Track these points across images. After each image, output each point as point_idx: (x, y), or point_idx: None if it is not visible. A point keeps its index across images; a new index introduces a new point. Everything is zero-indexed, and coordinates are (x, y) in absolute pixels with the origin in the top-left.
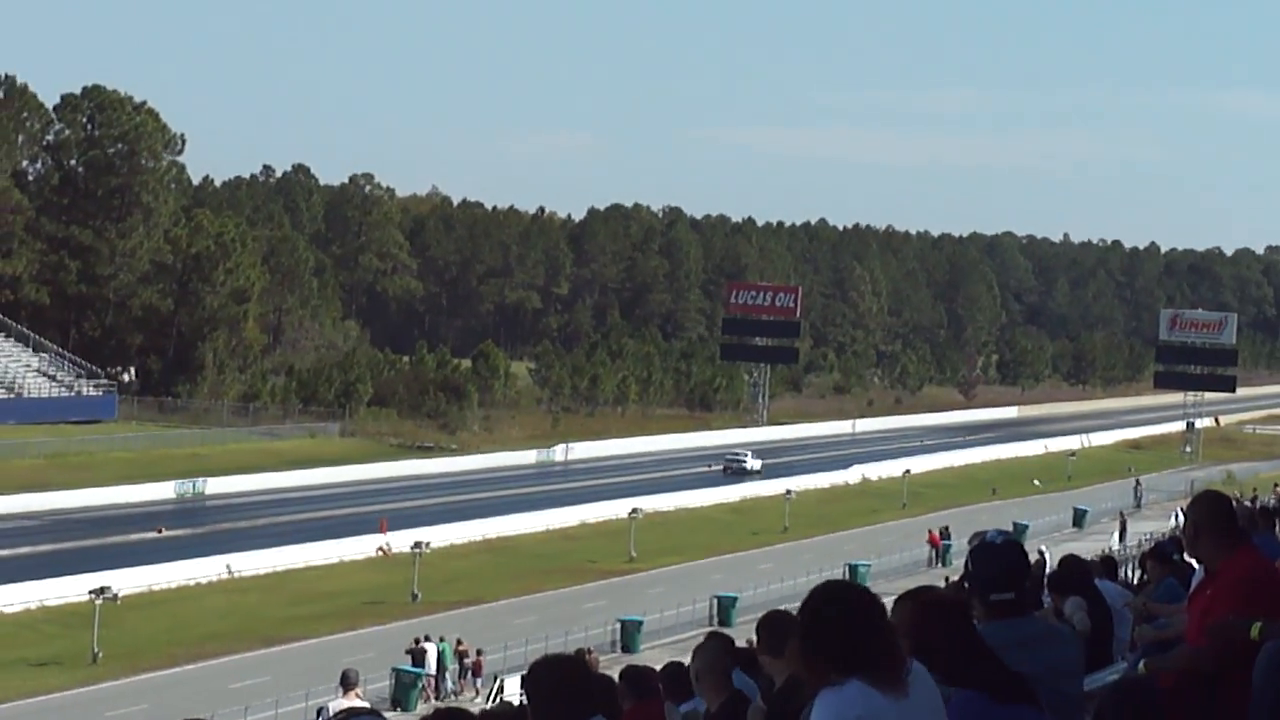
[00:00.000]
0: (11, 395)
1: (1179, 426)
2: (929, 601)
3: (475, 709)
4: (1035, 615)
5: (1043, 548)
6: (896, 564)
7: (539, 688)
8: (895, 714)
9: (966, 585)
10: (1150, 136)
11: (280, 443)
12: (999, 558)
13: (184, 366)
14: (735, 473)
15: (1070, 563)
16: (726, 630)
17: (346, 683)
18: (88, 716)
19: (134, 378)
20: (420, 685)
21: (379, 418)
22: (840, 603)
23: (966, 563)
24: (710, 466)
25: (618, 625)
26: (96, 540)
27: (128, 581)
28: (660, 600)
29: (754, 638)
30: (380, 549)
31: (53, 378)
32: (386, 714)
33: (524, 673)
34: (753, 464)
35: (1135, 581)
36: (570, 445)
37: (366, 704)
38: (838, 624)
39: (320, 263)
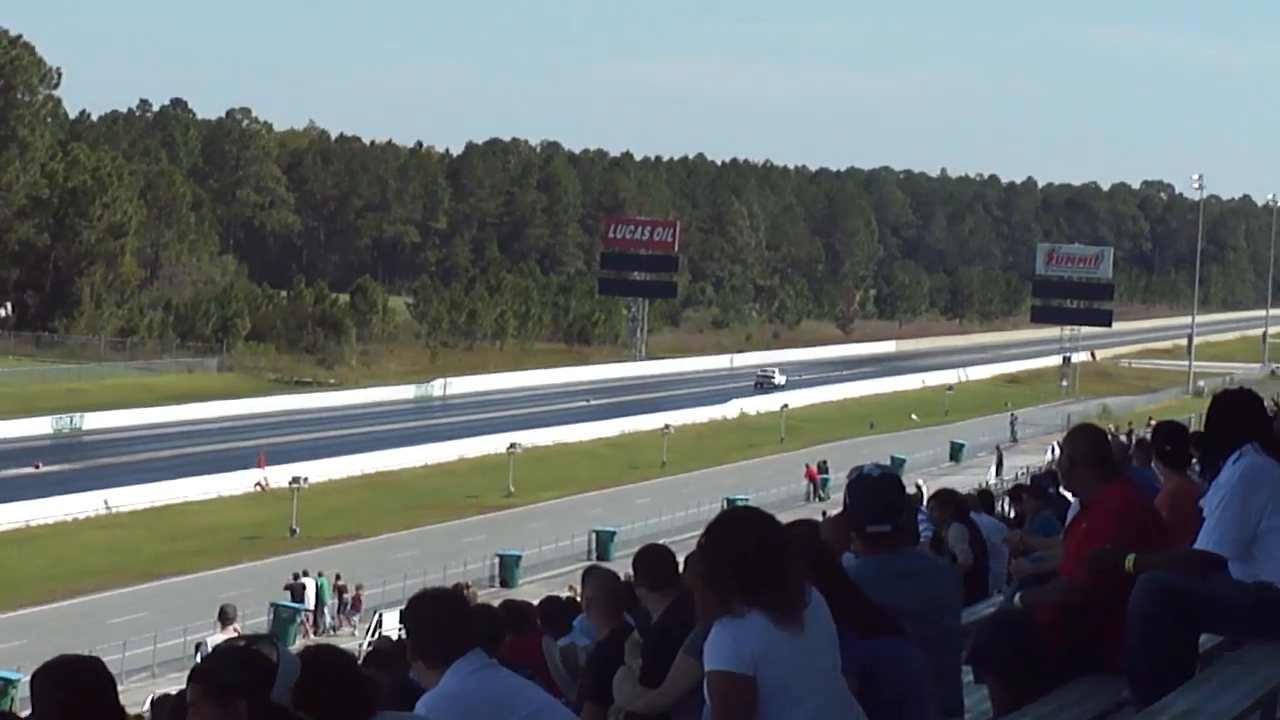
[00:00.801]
0: None
1: (1055, 361)
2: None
3: (354, 644)
4: (913, 549)
5: (920, 481)
6: (774, 498)
7: (418, 620)
8: (791, 649)
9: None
10: (1027, 70)
11: (158, 378)
12: (876, 491)
13: (61, 301)
14: (766, 388)
15: (944, 496)
16: (605, 564)
17: (225, 618)
18: None
19: (10, 313)
20: (299, 621)
21: (257, 352)
22: (748, 527)
23: (845, 496)
24: (588, 401)
25: (496, 560)
26: None
27: (4, 518)
28: (539, 535)
29: (631, 571)
30: (258, 484)
31: None
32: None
33: (403, 607)
34: (780, 379)
35: (1011, 516)
36: (448, 380)
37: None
38: (743, 548)
39: (198, 197)
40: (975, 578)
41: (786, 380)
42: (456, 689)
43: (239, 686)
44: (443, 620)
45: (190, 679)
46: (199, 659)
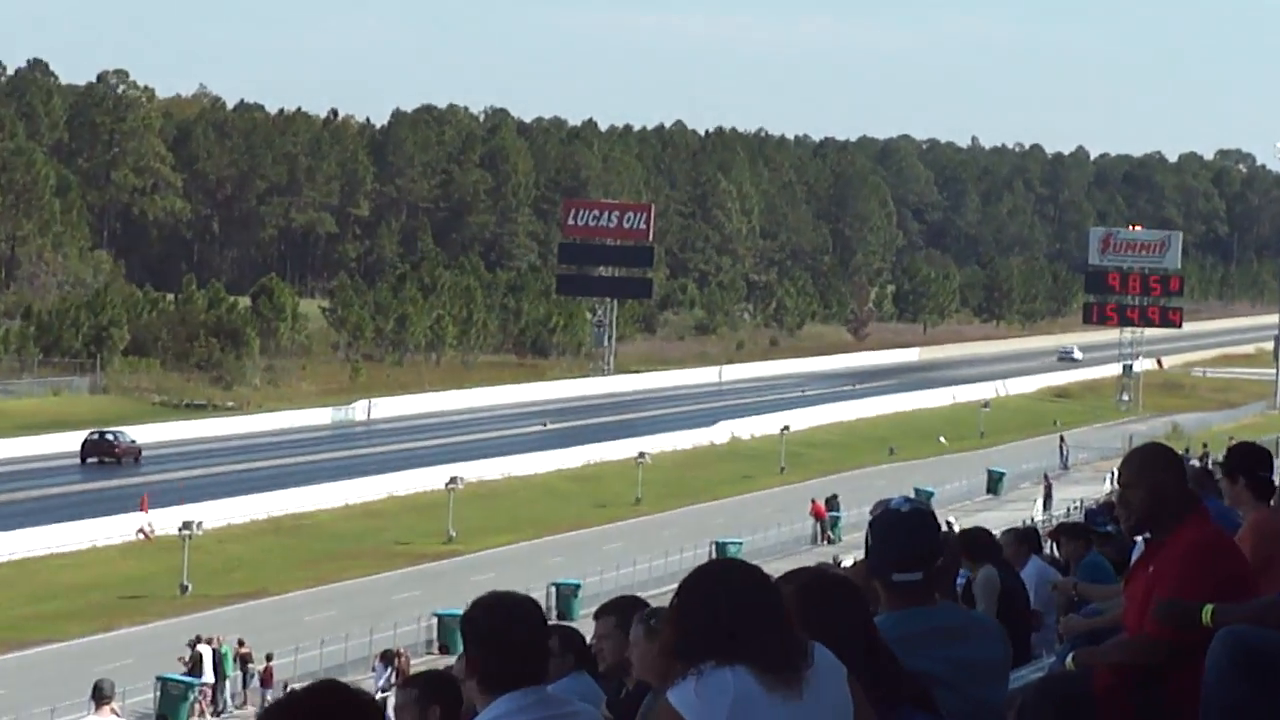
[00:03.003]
0: None
1: (1114, 370)
2: (811, 583)
3: None
4: (950, 603)
5: (952, 519)
6: (774, 541)
7: (477, 632)
8: (780, 713)
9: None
10: (1075, 18)
11: (16, 401)
12: (905, 531)
13: None
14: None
15: (976, 536)
16: (568, 624)
17: (100, 696)
18: None
19: None
20: (192, 698)
21: (138, 370)
22: (727, 585)
23: (866, 537)
24: (545, 425)
25: (434, 621)
26: None
27: None
28: (485, 589)
29: (595, 627)
30: (141, 531)
31: None
32: None
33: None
34: (1079, 354)
35: (1062, 559)
36: (374, 401)
37: None
38: (719, 610)
39: (63, 180)
40: (1015, 635)
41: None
42: None
43: None
44: (510, 637)
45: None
46: None
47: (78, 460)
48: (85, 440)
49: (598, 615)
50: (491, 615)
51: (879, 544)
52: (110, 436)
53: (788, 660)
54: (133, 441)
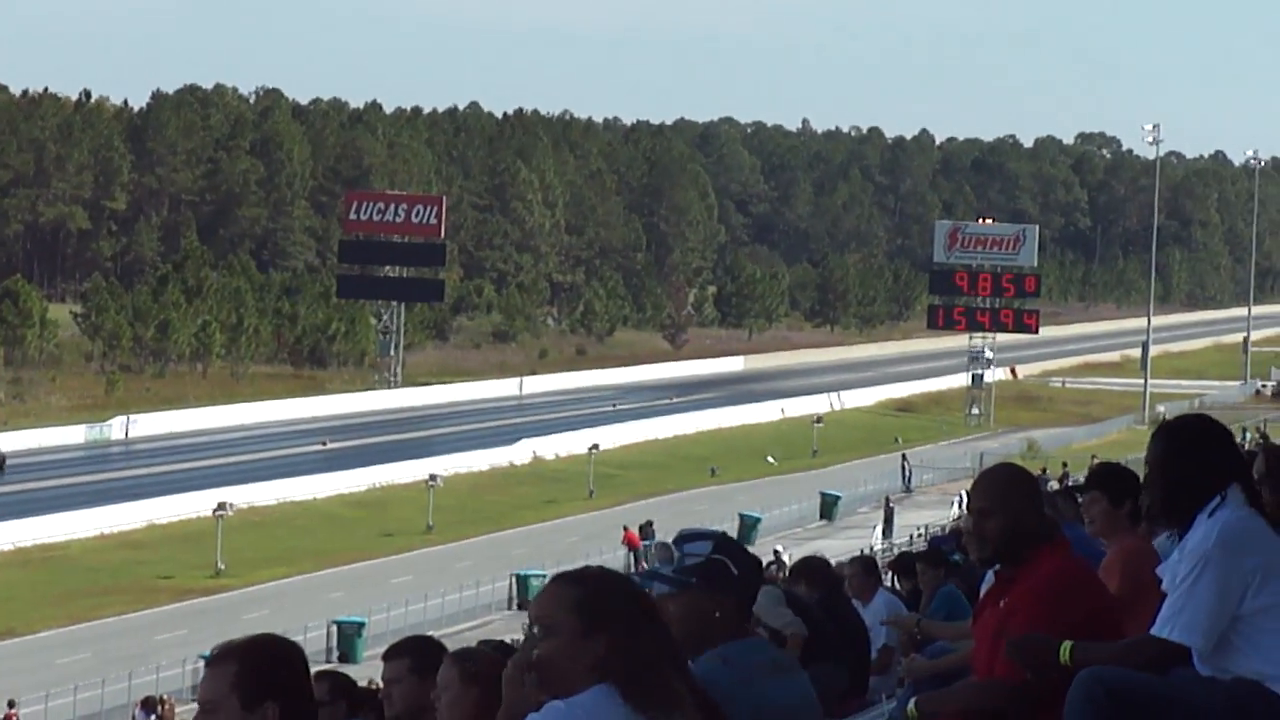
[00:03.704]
0: None
1: (963, 381)
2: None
3: None
4: (755, 638)
5: (779, 547)
6: None
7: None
8: None
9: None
10: None
11: None
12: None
13: None
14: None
15: (813, 565)
16: (348, 668)
17: None
18: None
19: None
20: None
21: None
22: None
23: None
24: (325, 444)
25: (200, 664)
26: None
27: None
28: (259, 627)
29: (383, 670)
30: None
31: None
32: None
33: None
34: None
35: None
36: (132, 417)
37: None
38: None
39: None
40: (854, 678)
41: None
42: None
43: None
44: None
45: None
46: None
47: None
48: None
49: (388, 656)
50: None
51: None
52: None
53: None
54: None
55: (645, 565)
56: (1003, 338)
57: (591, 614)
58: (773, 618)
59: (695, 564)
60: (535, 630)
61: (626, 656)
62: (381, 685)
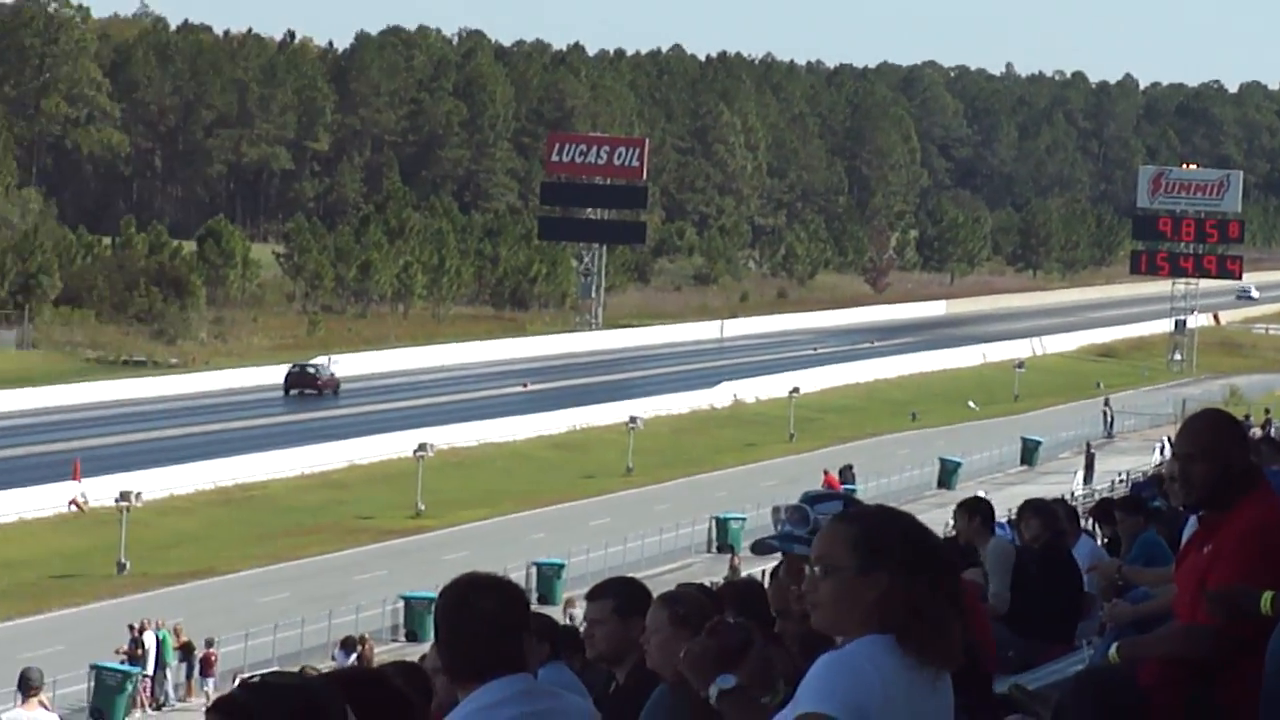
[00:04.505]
0: None
1: (1165, 327)
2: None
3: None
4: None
5: (980, 493)
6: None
7: (447, 619)
8: (918, 691)
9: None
10: None
11: None
12: None
13: None
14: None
15: (1042, 508)
16: (548, 610)
17: (28, 686)
18: None
19: None
20: (130, 688)
21: (70, 322)
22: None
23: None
24: (525, 386)
25: (401, 605)
26: None
27: None
28: (458, 569)
29: (585, 610)
30: (73, 502)
31: None
32: None
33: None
34: (1255, 293)
35: (1103, 541)
36: (334, 358)
37: (53, 713)
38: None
39: None
40: (1063, 621)
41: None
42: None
43: None
44: (488, 622)
45: (221, 711)
46: None
47: (5, 423)
48: (288, 372)
49: (591, 597)
50: (466, 598)
51: None
52: (311, 369)
53: (951, 632)
54: (333, 374)
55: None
56: (1205, 284)
57: (868, 552)
58: (997, 577)
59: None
60: (815, 569)
61: (905, 600)
62: (584, 626)
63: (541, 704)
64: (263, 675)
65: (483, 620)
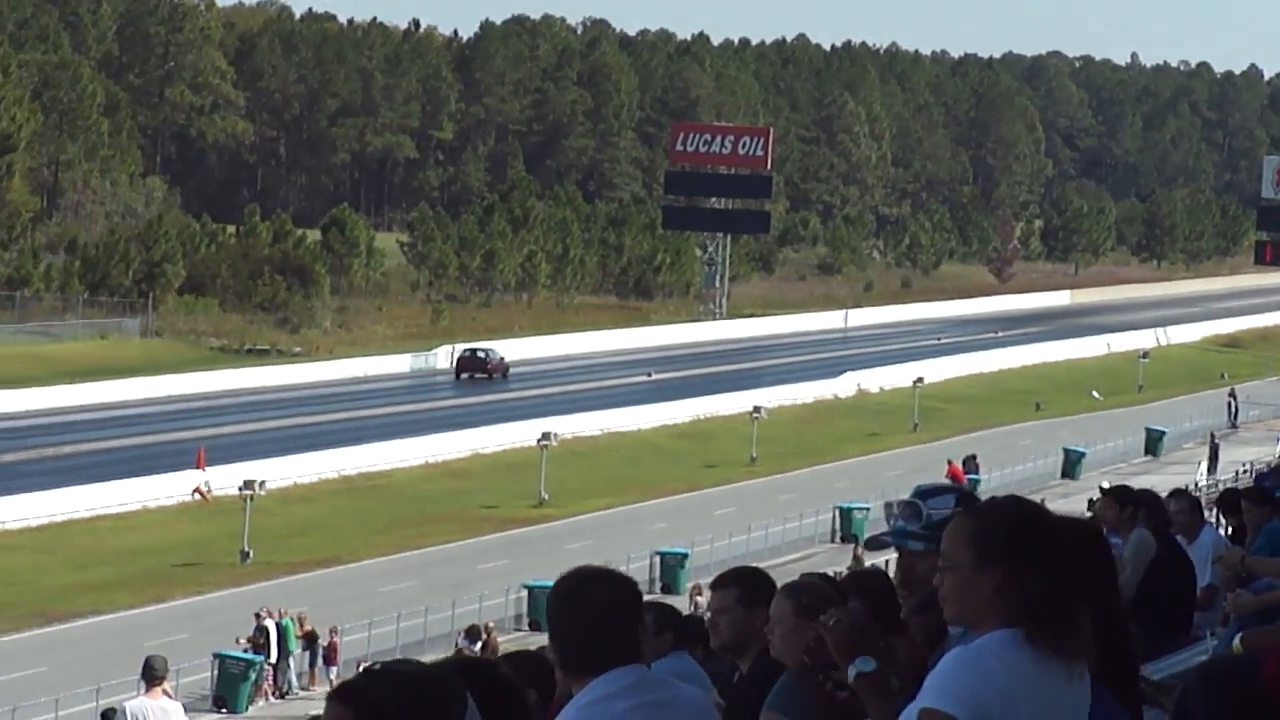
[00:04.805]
0: None
1: None
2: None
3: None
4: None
5: (1105, 484)
6: None
7: (559, 611)
8: (1048, 685)
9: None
10: None
11: (57, 345)
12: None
13: None
14: None
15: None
16: (671, 599)
17: (151, 674)
18: None
19: None
20: (254, 677)
21: (194, 310)
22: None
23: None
24: (649, 375)
25: (524, 594)
26: None
27: None
28: (582, 558)
29: (707, 599)
30: (197, 491)
31: None
32: (209, 717)
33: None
34: None
35: (1228, 531)
36: (457, 347)
37: (177, 702)
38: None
39: (113, 98)
40: (1177, 613)
41: None
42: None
43: None
44: (599, 615)
45: (342, 698)
46: None
47: (129, 412)
48: (459, 356)
49: (715, 586)
50: (579, 591)
51: None
52: (481, 353)
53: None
54: (501, 359)
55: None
56: None
57: (982, 547)
58: (1131, 569)
59: (943, 519)
60: (940, 564)
61: (1023, 594)
62: (709, 615)
63: (655, 694)
64: (384, 662)
65: (596, 612)
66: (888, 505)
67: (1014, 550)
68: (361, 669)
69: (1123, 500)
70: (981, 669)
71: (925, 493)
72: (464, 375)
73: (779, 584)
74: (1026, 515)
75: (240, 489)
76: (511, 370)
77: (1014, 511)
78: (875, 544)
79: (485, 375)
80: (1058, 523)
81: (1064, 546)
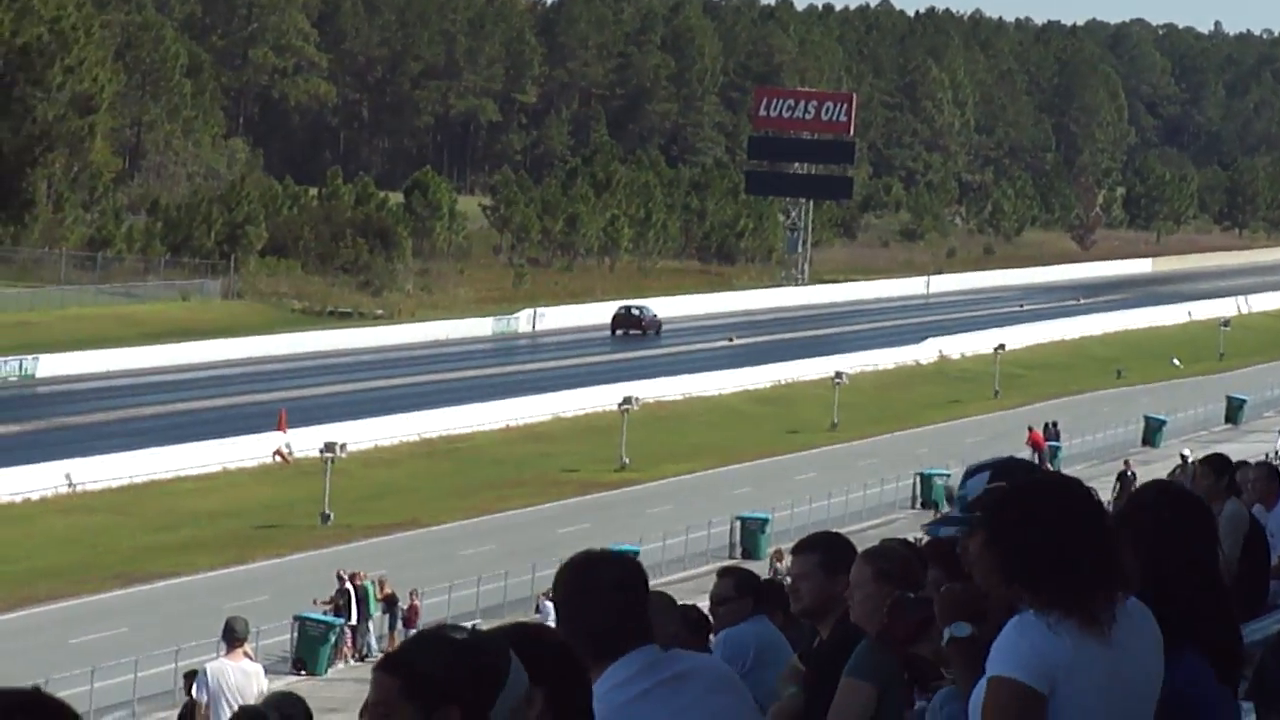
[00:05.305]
0: None
1: None
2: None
3: None
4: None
5: (1185, 451)
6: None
7: (565, 595)
8: (1099, 660)
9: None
10: None
11: (140, 306)
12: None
13: (7, 202)
14: None
15: (1217, 461)
16: (751, 564)
17: (232, 636)
18: None
19: None
20: (334, 639)
21: (277, 273)
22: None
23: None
24: (731, 340)
25: None
26: None
27: None
28: (662, 523)
29: (788, 564)
30: (278, 453)
31: None
32: (289, 679)
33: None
34: None
35: None
36: (540, 311)
37: (258, 664)
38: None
39: (195, 59)
40: (1255, 583)
41: None
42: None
43: (457, 694)
44: (607, 594)
45: (386, 668)
46: (202, 688)
47: (210, 374)
48: (615, 314)
49: (797, 551)
50: (589, 574)
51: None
52: (636, 311)
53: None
54: (655, 316)
55: (1050, 467)
56: None
57: (990, 524)
58: (1229, 541)
59: (976, 497)
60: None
61: (1004, 554)
62: (790, 580)
63: (670, 669)
64: (431, 629)
65: (608, 594)
66: (947, 490)
67: (1023, 521)
68: (410, 635)
69: (1219, 469)
70: (1043, 634)
71: (971, 472)
72: (619, 332)
73: (859, 549)
74: (1050, 486)
75: (321, 451)
76: (588, 335)
77: (1031, 483)
78: (930, 532)
79: (639, 332)
80: (1045, 482)
81: (1079, 518)
